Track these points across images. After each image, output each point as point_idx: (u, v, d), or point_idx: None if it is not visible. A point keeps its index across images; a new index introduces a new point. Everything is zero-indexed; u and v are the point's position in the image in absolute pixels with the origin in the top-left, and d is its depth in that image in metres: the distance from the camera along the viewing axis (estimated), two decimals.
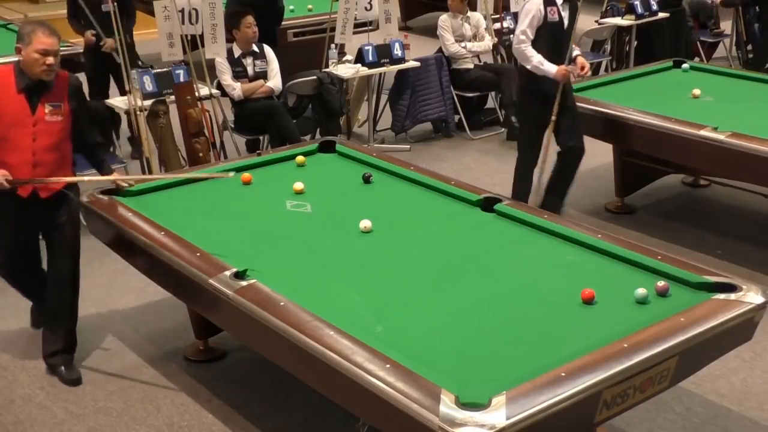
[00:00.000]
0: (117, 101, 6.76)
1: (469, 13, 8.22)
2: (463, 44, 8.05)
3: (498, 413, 2.78)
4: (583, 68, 5.77)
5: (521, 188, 6.08)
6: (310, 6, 9.39)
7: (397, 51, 7.84)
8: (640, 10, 9.15)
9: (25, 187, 4.27)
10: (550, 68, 5.67)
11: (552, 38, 5.72)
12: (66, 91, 4.28)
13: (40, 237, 4.61)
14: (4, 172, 4.15)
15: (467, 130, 8.23)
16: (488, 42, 8.25)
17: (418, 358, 3.10)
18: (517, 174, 6.15)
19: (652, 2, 9.28)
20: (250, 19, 6.81)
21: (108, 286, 5.51)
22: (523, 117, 6.22)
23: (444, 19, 8.11)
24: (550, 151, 5.98)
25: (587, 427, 3.20)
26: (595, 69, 9.40)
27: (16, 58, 4.24)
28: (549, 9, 5.68)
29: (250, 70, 6.88)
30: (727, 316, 3.39)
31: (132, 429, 4.19)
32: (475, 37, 8.17)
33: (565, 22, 5.76)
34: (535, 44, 5.72)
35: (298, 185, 4.66)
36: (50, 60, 4.11)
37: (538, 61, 5.68)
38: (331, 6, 8.10)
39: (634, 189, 6.58)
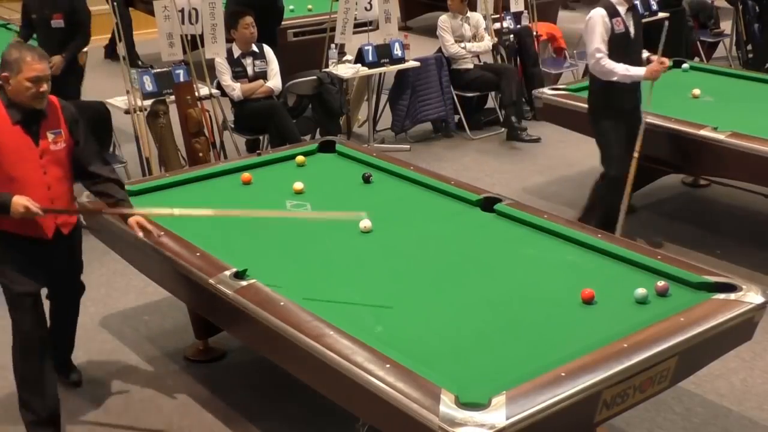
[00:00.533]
0: (117, 101, 6.76)
1: (469, 14, 8.21)
2: (462, 45, 8.05)
3: (498, 413, 2.78)
4: (662, 63, 5.46)
5: (607, 216, 5.61)
6: (309, 6, 9.39)
7: (397, 51, 7.84)
8: (640, 10, 9.13)
9: (49, 224, 3.91)
10: (639, 71, 5.37)
11: (621, 50, 5.40)
12: (60, 115, 3.92)
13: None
14: (28, 198, 3.73)
15: (467, 130, 8.23)
16: (488, 42, 8.24)
17: (418, 358, 3.10)
18: (598, 199, 5.72)
19: (652, 2, 9.27)
20: (247, 19, 6.81)
21: (108, 286, 5.51)
22: (605, 137, 5.66)
23: (444, 20, 8.10)
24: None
25: (587, 427, 3.21)
26: None
27: None
28: (614, 20, 5.38)
29: (249, 71, 6.88)
30: (727, 316, 3.39)
31: (132, 429, 4.19)
32: (474, 38, 8.17)
33: (632, 30, 5.47)
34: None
35: (298, 185, 4.66)
36: (43, 87, 3.76)
37: (624, 69, 5.35)
38: (331, 6, 8.10)
39: (635, 189, 6.56)
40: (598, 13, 5.38)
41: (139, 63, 9.62)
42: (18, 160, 3.79)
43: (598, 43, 5.36)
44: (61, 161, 3.91)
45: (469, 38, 8.13)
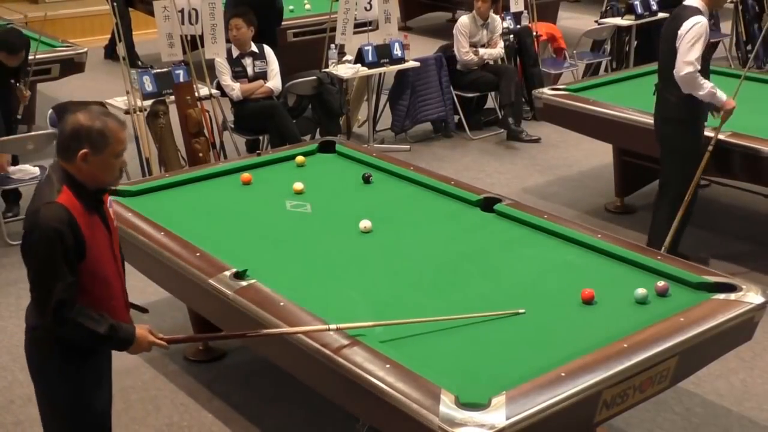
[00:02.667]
0: (117, 101, 6.76)
1: (490, 18, 8.03)
2: (475, 49, 7.99)
3: (498, 413, 2.78)
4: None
5: (672, 235, 5.27)
6: (307, 5, 9.39)
7: (397, 51, 7.84)
8: (640, 10, 9.15)
9: (126, 317, 3.22)
10: (722, 96, 5.13)
11: (704, 62, 5.14)
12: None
13: None
14: (150, 329, 3.13)
15: (467, 130, 8.23)
16: (500, 50, 8.14)
17: (418, 358, 3.11)
18: (666, 220, 5.32)
19: (652, 2, 9.28)
20: (234, 21, 6.78)
21: None
22: (687, 153, 5.27)
23: (464, 23, 7.97)
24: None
25: (587, 427, 3.20)
26: (595, 69, 9.41)
27: (66, 170, 2.92)
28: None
29: (249, 71, 6.88)
30: (727, 316, 3.39)
31: (132, 429, 4.19)
32: (489, 42, 8.09)
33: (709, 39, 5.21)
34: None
35: (298, 185, 4.66)
36: (125, 160, 3.00)
37: (711, 87, 5.07)
38: (331, 6, 8.10)
39: (634, 189, 6.58)
40: (705, 22, 5.08)
41: (139, 63, 9.62)
42: (100, 257, 2.99)
43: (698, 53, 5.03)
44: (116, 240, 3.16)
45: (484, 44, 8.06)
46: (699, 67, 5.04)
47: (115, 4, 6.74)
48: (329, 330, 3.20)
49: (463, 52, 7.99)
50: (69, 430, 3.13)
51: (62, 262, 2.84)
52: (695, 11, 5.14)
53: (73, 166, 2.90)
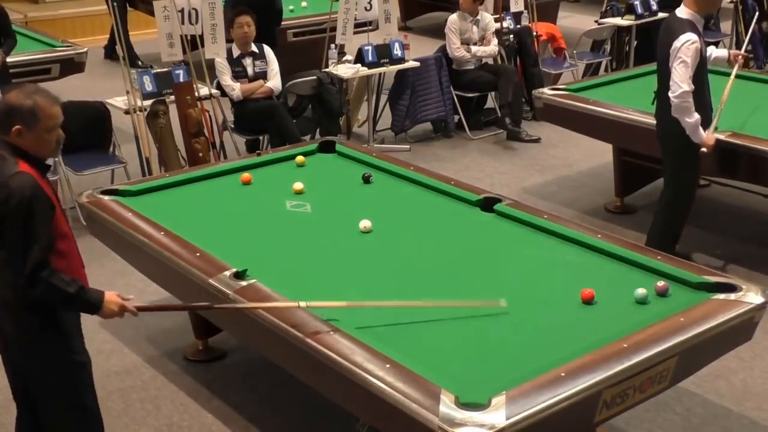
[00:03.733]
0: (117, 101, 6.76)
1: (480, 15, 8.07)
2: (468, 47, 8.00)
3: (498, 413, 2.78)
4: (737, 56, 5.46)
5: (670, 238, 5.33)
6: (304, 3, 9.37)
7: (397, 51, 7.83)
8: (639, 10, 9.15)
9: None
10: (702, 135, 5.03)
11: (699, 77, 5.02)
12: None
13: None
14: (118, 294, 3.36)
15: (467, 130, 8.23)
16: (494, 48, 8.13)
17: (418, 358, 3.11)
18: (668, 223, 5.36)
19: (652, 2, 9.28)
20: (243, 18, 6.80)
21: (108, 286, 5.47)
22: (693, 161, 5.21)
23: (453, 20, 8.00)
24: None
25: (587, 427, 3.21)
26: (595, 69, 9.41)
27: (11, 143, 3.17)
28: (702, 44, 4.99)
29: (249, 71, 6.88)
30: (727, 316, 3.39)
31: (132, 429, 4.19)
32: (482, 40, 8.11)
33: (705, 54, 5.12)
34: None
35: (298, 185, 4.66)
36: (61, 133, 3.25)
37: (696, 121, 4.98)
38: (331, 6, 8.10)
39: (634, 189, 6.58)
40: (696, 41, 4.91)
41: (139, 63, 9.62)
42: (60, 213, 3.25)
43: (690, 71, 4.91)
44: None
45: (475, 41, 8.07)
46: (692, 88, 4.92)
47: (115, 3, 6.73)
48: (298, 307, 3.32)
49: (455, 48, 8.00)
50: (61, 387, 3.40)
51: (40, 224, 3.10)
52: (686, 26, 4.97)
53: (13, 140, 3.16)
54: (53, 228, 3.16)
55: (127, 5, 10.05)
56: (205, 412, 4.29)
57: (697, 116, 5.00)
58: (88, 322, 5.03)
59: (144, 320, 5.14)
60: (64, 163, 6.21)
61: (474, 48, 8.04)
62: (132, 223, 4.23)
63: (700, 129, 5.04)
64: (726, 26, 10.39)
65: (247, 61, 6.89)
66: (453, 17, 8.06)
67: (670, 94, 4.99)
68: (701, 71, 5.07)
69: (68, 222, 3.40)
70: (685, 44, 4.91)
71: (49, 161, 3.42)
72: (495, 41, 8.16)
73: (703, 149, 5.09)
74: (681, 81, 4.93)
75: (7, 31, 6.66)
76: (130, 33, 6.94)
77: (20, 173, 3.11)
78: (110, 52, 10.40)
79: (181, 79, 6.59)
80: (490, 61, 8.31)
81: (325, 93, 7.35)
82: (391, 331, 3.33)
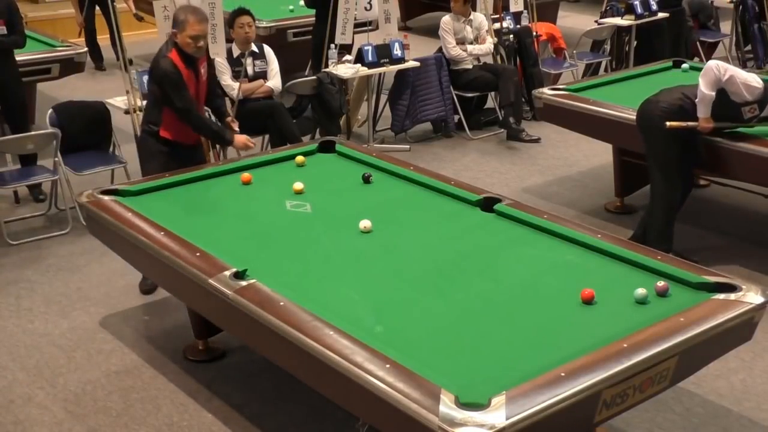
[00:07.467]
0: (117, 101, 6.75)
1: (473, 15, 8.14)
2: (464, 47, 8.02)
3: (498, 413, 2.78)
4: None
5: (667, 233, 5.46)
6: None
7: (397, 51, 7.83)
8: (639, 10, 9.14)
9: (194, 136, 5.22)
10: (706, 111, 5.24)
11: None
12: (205, 61, 5.16)
13: None
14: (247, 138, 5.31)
15: (467, 130, 8.23)
16: (489, 45, 8.17)
17: (418, 358, 3.11)
18: (662, 214, 5.48)
19: (652, 2, 9.27)
20: (243, 18, 6.80)
21: (108, 286, 5.50)
22: (659, 154, 5.46)
23: (446, 21, 8.07)
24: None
25: (587, 427, 3.21)
26: (595, 69, 9.41)
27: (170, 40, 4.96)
28: None
29: (249, 70, 6.88)
30: (727, 316, 3.39)
31: (132, 429, 4.19)
32: (476, 39, 8.13)
33: None
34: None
35: (298, 185, 4.66)
36: (201, 43, 4.91)
37: (711, 99, 5.18)
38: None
39: (634, 189, 6.58)
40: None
41: (130, 62, 9.53)
42: (192, 89, 5.03)
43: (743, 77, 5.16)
44: (203, 94, 5.21)
45: (470, 40, 8.09)
46: (729, 74, 5.11)
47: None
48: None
49: (450, 47, 8.01)
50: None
51: (180, 86, 4.92)
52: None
53: (174, 39, 4.93)
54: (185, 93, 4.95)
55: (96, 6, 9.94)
56: (205, 412, 4.29)
57: (712, 94, 5.15)
58: (89, 323, 5.05)
59: (144, 320, 5.14)
60: (64, 163, 6.21)
61: (470, 47, 8.05)
62: (132, 223, 4.23)
63: (709, 107, 5.18)
64: (726, 26, 10.38)
65: (247, 61, 6.88)
66: (446, 18, 8.11)
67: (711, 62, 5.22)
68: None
69: (200, 103, 5.21)
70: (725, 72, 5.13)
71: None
72: (490, 39, 8.19)
73: (668, 123, 5.24)
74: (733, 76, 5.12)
75: (14, 28, 6.70)
76: (124, 34, 6.89)
77: (166, 58, 4.91)
78: (99, 60, 10.24)
79: None
80: (490, 61, 8.31)
81: (325, 93, 7.34)
82: (391, 331, 3.33)
